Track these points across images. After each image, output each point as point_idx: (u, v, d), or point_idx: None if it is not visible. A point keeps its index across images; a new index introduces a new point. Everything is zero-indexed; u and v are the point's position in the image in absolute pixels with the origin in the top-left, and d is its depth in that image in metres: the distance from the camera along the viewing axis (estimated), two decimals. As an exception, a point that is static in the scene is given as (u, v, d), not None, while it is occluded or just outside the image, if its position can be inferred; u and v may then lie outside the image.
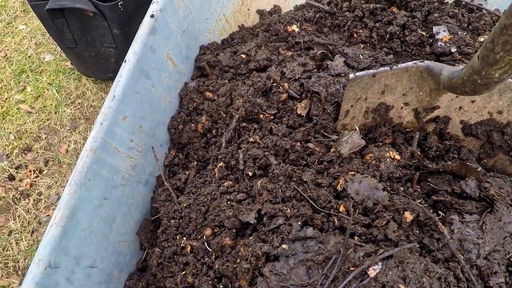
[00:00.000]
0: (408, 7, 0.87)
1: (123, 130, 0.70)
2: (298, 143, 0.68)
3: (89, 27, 1.53)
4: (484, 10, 0.89)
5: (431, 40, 0.85)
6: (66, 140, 1.67)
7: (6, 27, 2.05)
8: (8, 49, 1.96)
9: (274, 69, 0.79)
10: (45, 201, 1.55)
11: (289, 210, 0.55)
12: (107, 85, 1.82)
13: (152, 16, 0.77)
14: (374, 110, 0.69)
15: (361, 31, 0.87)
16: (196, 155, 0.81)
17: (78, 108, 1.76)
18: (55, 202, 1.55)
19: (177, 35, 0.86)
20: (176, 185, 0.72)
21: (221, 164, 0.68)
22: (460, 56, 0.80)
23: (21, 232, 1.49)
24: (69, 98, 1.78)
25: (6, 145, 1.67)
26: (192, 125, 0.84)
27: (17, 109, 1.75)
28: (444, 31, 0.82)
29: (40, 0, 1.59)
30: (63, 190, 0.63)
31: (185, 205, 0.64)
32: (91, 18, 1.47)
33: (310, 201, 0.56)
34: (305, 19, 0.90)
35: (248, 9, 0.99)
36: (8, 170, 1.60)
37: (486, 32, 0.83)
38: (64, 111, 1.74)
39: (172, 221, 0.65)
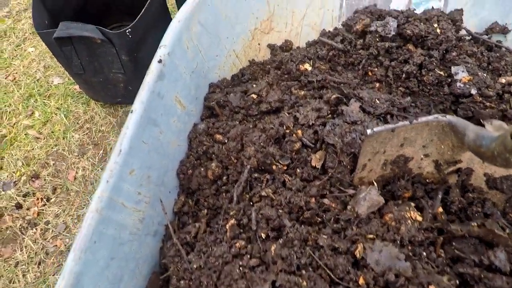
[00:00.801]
0: (425, 45, 0.84)
1: (130, 184, 0.68)
2: (313, 199, 0.65)
3: (97, 54, 1.52)
4: (503, 48, 0.85)
5: (449, 80, 0.81)
6: (74, 167, 1.66)
7: (15, 50, 2.06)
8: (16, 73, 1.96)
9: (287, 114, 0.76)
10: (52, 231, 1.54)
11: (305, 283, 0.51)
12: (115, 109, 1.81)
13: (159, 61, 0.75)
14: (392, 162, 0.66)
15: (376, 69, 0.85)
16: (207, 202, 0.78)
17: (87, 133, 1.75)
18: (63, 232, 1.54)
19: (185, 76, 0.84)
20: (186, 239, 0.70)
21: (232, 221, 0.65)
22: (480, 99, 0.76)
23: (28, 263, 1.47)
24: (78, 123, 1.78)
25: (13, 172, 1.67)
26: (202, 169, 0.82)
27: (25, 134, 1.75)
28: (463, 71, 0.79)
29: (47, 28, 1.59)
30: (73, 242, 0.60)
31: (195, 266, 0.61)
32: (99, 45, 1.47)
33: (327, 270, 0.53)
34: (318, 57, 0.87)
35: (259, 44, 0.97)
36: (16, 198, 1.60)
37: (507, 73, 0.80)
38: (73, 136, 1.73)
39: (182, 282, 0.62)
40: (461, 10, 0.88)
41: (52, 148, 1.72)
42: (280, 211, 0.63)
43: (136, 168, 0.70)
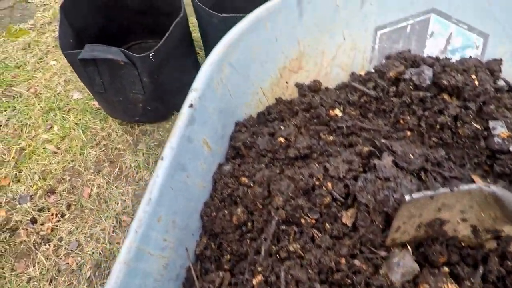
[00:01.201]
0: (461, 96, 0.81)
1: (157, 232, 0.66)
2: (343, 259, 0.62)
3: (119, 75, 1.52)
4: (542, 102, 0.83)
5: (486, 133, 0.79)
6: (89, 184, 1.66)
7: (38, 63, 2.08)
8: (38, 85, 1.98)
9: (317, 165, 0.74)
10: (65, 248, 1.53)
11: None
12: (132, 127, 1.81)
13: (190, 105, 0.73)
14: (427, 225, 0.64)
15: (408, 118, 0.82)
16: (230, 247, 0.76)
17: (103, 150, 1.75)
18: (75, 250, 1.53)
19: (214, 117, 0.82)
20: (208, 290, 0.68)
21: (260, 277, 0.63)
22: (519, 157, 0.74)
23: (39, 280, 1.46)
24: (95, 140, 1.78)
25: (30, 185, 1.67)
26: (226, 212, 0.80)
27: (43, 148, 1.75)
28: (501, 126, 0.76)
29: (72, 46, 1.60)
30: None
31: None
32: (121, 66, 1.47)
33: None
34: (348, 102, 0.85)
35: (287, 82, 0.95)
36: (31, 212, 1.60)
37: (549, 131, 0.77)
38: (89, 153, 1.73)
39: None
40: (500, 60, 0.86)
41: (68, 163, 1.71)
42: (310, 272, 0.61)
43: (163, 215, 0.68)
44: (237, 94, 0.89)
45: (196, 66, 1.88)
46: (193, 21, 2.21)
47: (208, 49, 1.83)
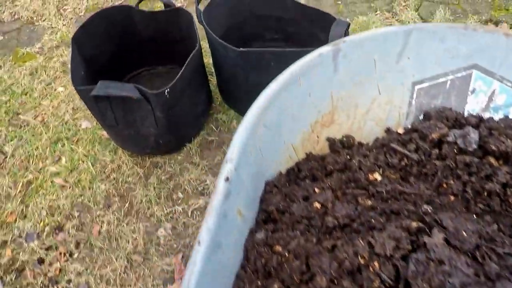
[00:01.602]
0: (510, 160, 0.76)
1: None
2: None
3: (132, 110, 1.47)
4: None
5: (536, 203, 0.74)
6: (99, 220, 1.59)
7: (45, 89, 2.02)
8: (45, 113, 1.92)
9: (361, 241, 0.69)
10: (74, 291, 1.46)
11: None
12: (143, 159, 1.75)
13: (226, 179, 0.68)
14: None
15: (452, 182, 0.77)
16: (265, 328, 0.71)
17: (113, 184, 1.68)
18: (84, 293, 1.46)
19: (247, 183, 0.76)
20: None
21: None
22: None
23: (47, 326, 1.39)
24: (104, 172, 1.71)
25: (38, 222, 1.60)
26: (259, 283, 0.74)
27: (51, 182, 1.69)
28: (555, 197, 0.71)
29: (83, 79, 1.55)
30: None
31: None
32: (135, 101, 1.42)
33: None
34: (387, 164, 0.80)
35: (318, 136, 0.90)
36: (38, 251, 1.53)
37: None
38: (99, 186, 1.67)
39: None
40: (547, 120, 0.82)
41: (77, 198, 1.65)
42: None
43: (198, 303, 0.62)
44: (268, 153, 0.83)
45: (209, 96, 1.83)
46: (204, 46, 2.16)
47: (220, 78, 1.78)
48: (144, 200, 1.62)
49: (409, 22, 2.13)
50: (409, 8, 2.21)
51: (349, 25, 1.45)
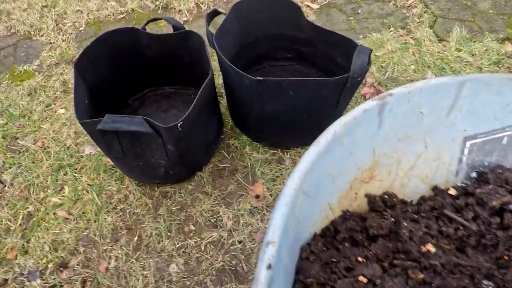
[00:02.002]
0: None
1: None
2: None
3: (141, 142, 1.37)
4: None
5: None
6: (106, 256, 1.50)
7: (45, 111, 1.91)
8: (46, 138, 1.81)
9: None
10: (81, 336, 1.37)
11: None
12: (151, 188, 1.66)
13: (269, 267, 0.59)
14: None
15: (512, 253, 0.70)
16: None
17: (120, 216, 1.59)
18: (92, 338, 1.37)
19: (285, 259, 0.68)
20: None
21: None
22: None
23: None
24: (110, 203, 1.61)
25: (40, 258, 1.50)
26: None
27: (53, 214, 1.59)
28: None
29: (87, 110, 1.45)
30: None
31: None
32: (144, 134, 1.32)
33: None
34: (441, 233, 0.72)
35: (356, 193, 0.81)
36: (42, 292, 1.43)
37: None
38: (105, 219, 1.57)
39: None
40: None
41: (82, 231, 1.55)
42: None
43: None
44: (305, 218, 0.74)
45: (220, 121, 1.74)
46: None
47: (232, 103, 1.68)
48: (153, 234, 1.53)
49: (424, 41, 2.05)
50: (423, 25, 2.13)
51: (371, 51, 1.37)
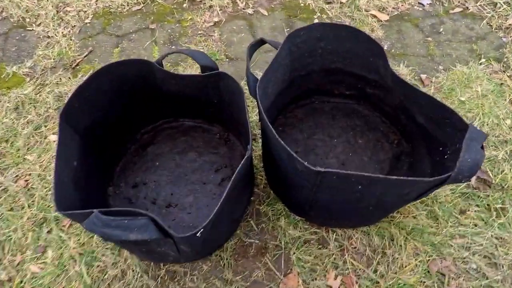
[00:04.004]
0: None
1: None
2: None
3: (145, 241, 0.97)
4: None
5: None
6: None
7: (33, 135, 1.50)
8: (30, 175, 1.42)
9: None
10: None
11: None
12: (156, 264, 1.27)
13: None
14: None
15: None
16: None
17: (114, 300, 1.22)
18: None
19: None
20: None
21: None
22: None
23: None
24: (103, 280, 1.24)
25: None
26: None
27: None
28: None
29: (83, 170, 1.04)
30: None
31: None
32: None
33: None
34: None
35: None
36: None
37: None
38: (95, 303, 1.21)
39: None
40: None
41: (65, 317, 1.20)
42: None
43: None
44: None
45: (251, 191, 1.31)
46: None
47: (271, 170, 1.23)
48: (154, 332, 1.16)
49: (532, 87, 1.51)
50: (531, 62, 1.58)
51: (486, 137, 0.90)
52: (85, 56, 1.69)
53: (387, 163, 1.36)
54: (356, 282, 1.22)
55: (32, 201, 1.35)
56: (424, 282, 1.20)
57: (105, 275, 1.24)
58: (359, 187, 0.94)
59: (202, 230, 0.87)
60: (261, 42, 1.11)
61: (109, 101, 1.11)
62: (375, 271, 1.23)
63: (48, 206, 1.35)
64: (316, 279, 1.23)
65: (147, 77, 1.12)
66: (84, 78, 1.60)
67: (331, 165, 1.37)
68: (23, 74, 1.65)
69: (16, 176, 1.41)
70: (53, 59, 1.68)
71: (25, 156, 1.44)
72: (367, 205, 1.03)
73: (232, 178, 0.90)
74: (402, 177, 0.88)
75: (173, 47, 1.76)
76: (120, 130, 1.29)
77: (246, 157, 0.92)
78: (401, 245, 1.25)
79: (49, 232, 1.30)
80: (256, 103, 1.12)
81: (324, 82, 1.40)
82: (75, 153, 1.03)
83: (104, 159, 1.29)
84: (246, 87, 1.11)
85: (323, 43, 1.19)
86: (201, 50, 1.78)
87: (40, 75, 1.64)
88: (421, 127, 1.17)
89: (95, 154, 1.19)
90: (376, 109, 1.43)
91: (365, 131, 1.43)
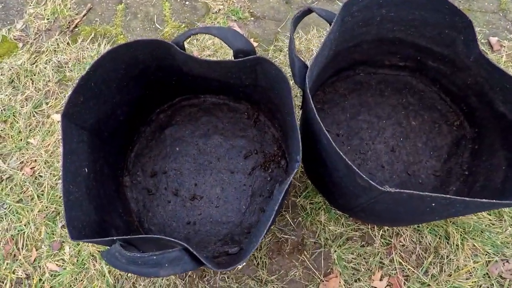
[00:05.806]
0: None
1: None
2: None
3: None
4: None
5: None
6: None
7: (34, 114, 1.31)
8: (36, 161, 1.26)
9: None
10: None
11: None
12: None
13: None
14: None
15: None
16: None
17: (140, 299, 1.13)
18: None
19: None
20: None
21: None
22: None
23: None
24: (126, 278, 1.15)
25: None
26: None
27: (50, 288, 1.14)
28: None
29: (91, 173, 0.87)
30: None
31: None
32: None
33: None
34: None
35: None
36: None
37: None
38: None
39: None
40: None
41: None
42: None
43: None
44: None
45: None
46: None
47: (314, 167, 1.05)
48: (184, 332, 1.09)
49: None
50: None
51: None
52: (83, 16, 1.43)
53: (445, 150, 1.16)
54: (404, 284, 1.10)
55: (42, 191, 1.21)
56: (481, 285, 1.08)
57: (128, 273, 1.14)
58: (433, 204, 0.76)
59: (244, 264, 0.72)
60: (308, 11, 0.85)
61: (118, 89, 0.91)
62: (426, 272, 1.11)
63: (60, 197, 1.21)
64: (359, 280, 1.11)
65: (164, 59, 0.90)
66: (85, 44, 1.37)
67: (378, 152, 1.18)
68: (15, 39, 1.40)
69: (21, 162, 1.25)
70: (47, 19, 1.42)
71: (28, 140, 1.27)
72: (435, 217, 0.87)
73: (279, 202, 0.72)
74: (494, 201, 0.70)
75: (187, 2, 1.47)
76: (133, 114, 1.09)
77: (295, 170, 0.74)
78: (457, 245, 1.11)
79: (63, 226, 1.18)
80: (299, 90, 0.90)
81: (374, 53, 1.15)
82: (85, 157, 0.86)
83: (117, 148, 1.11)
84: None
85: (385, 9, 0.92)
86: (220, 6, 1.49)
87: (34, 40, 1.39)
88: (501, 116, 0.95)
89: (106, 147, 1.02)
90: (434, 83, 1.19)
91: (420, 110, 1.21)
